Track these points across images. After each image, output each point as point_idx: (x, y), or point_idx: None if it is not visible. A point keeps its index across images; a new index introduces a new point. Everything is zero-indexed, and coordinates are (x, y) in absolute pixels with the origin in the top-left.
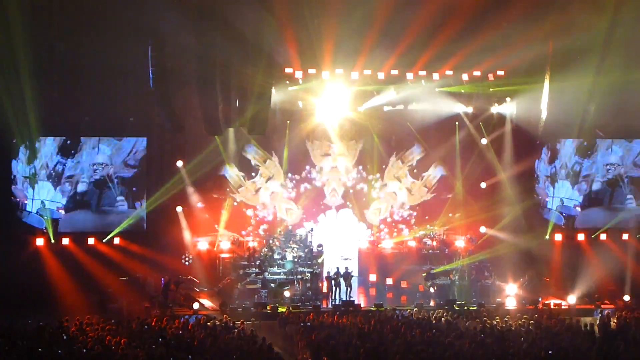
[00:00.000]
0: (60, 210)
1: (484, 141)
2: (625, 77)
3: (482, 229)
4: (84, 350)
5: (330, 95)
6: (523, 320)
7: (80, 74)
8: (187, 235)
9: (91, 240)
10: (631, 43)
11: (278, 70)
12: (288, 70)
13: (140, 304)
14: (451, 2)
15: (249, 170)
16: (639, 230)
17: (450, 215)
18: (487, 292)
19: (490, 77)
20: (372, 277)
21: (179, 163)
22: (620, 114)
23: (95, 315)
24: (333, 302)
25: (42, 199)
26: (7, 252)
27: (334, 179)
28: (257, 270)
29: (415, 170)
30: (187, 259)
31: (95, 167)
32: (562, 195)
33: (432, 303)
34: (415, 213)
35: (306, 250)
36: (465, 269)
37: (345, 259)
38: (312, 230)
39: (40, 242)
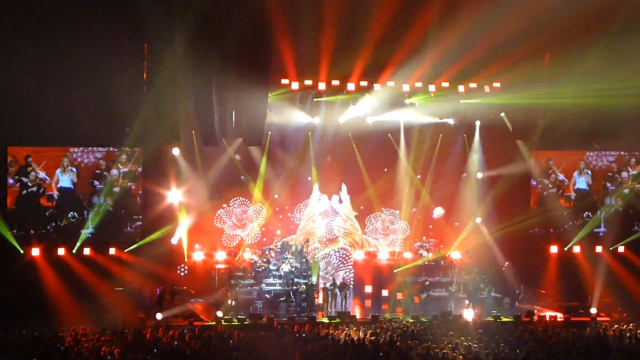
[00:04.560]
0: None
1: (478, 153)
2: (621, 89)
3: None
4: None
5: (327, 106)
6: (518, 332)
7: (75, 83)
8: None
9: (87, 251)
10: (629, 51)
11: (274, 80)
12: (284, 81)
13: (136, 315)
14: (447, 14)
15: None
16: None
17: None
18: (483, 304)
19: (487, 89)
20: (368, 289)
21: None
22: (615, 125)
23: (90, 326)
24: (329, 314)
25: None
26: (2, 262)
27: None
28: (252, 281)
29: None
30: (182, 269)
31: None
32: None
33: (427, 315)
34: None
35: (302, 261)
36: (461, 280)
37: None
38: (308, 241)
39: (35, 252)
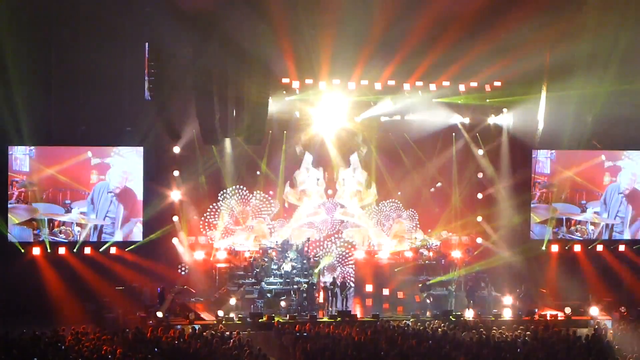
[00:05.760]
0: None
1: (480, 152)
2: (622, 87)
3: (479, 240)
4: None
5: (328, 106)
6: (519, 331)
7: (76, 83)
8: (182, 244)
9: (87, 250)
10: (628, 53)
11: (275, 80)
12: (285, 80)
13: (136, 314)
14: (448, 13)
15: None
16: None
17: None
18: (484, 303)
19: (487, 87)
20: (369, 288)
21: (176, 173)
22: (615, 124)
23: (91, 325)
24: (329, 313)
25: None
26: (3, 261)
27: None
28: (253, 280)
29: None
30: (183, 268)
31: None
32: None
33: (428, 314)
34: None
35: (303, 261)
36: (462, 279)
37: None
38: (308, 240)
39: (36, 251)
